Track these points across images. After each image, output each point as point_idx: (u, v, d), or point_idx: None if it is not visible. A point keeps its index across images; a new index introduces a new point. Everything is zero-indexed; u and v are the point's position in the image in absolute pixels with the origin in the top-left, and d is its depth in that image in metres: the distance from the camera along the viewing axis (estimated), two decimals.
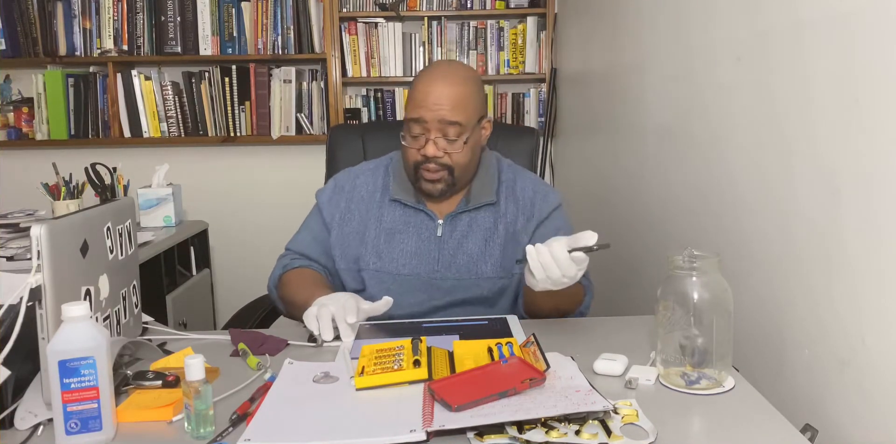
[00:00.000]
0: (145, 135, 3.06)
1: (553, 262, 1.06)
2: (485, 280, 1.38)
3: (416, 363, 0.97)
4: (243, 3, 3.03)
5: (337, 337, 1.18)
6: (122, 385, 0.98)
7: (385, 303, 1.21)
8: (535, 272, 1.08)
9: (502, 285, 1.39)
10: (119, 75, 3.00)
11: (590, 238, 1.06)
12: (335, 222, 1.44)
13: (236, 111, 3.07)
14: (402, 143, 1.37)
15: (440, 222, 1.40)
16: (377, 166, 1.50)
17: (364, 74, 3.13)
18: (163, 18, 3.00)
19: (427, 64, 3.16)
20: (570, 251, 1.06)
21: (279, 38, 3.04)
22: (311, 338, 1.18)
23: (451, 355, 1.06)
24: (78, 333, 0.83)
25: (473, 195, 1.41)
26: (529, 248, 1.08)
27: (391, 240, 1.40)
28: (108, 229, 1.07)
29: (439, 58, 3.17)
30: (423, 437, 0.81)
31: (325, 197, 1.48)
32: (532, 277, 1.09)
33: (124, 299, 1.13)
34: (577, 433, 0.80)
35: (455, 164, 1.34)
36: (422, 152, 1.33)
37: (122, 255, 1.12)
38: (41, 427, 0.88)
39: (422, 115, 1.31)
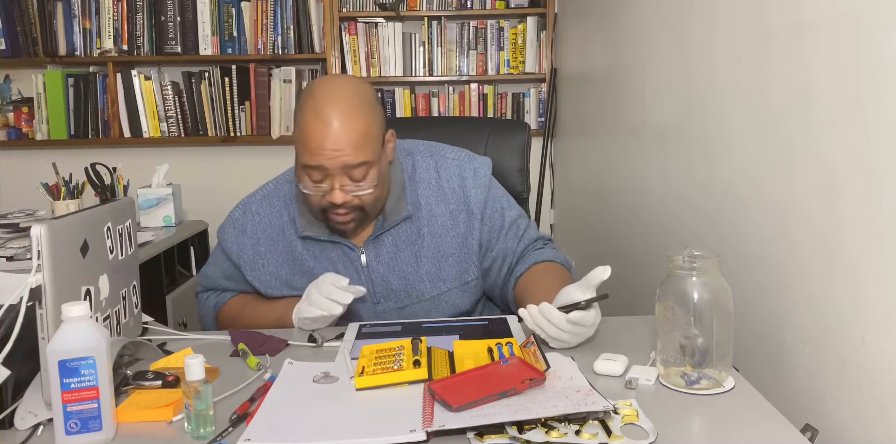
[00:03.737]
0: (145, 135, 3.06)
1: (546, 321, 1.05)
2: (430, 301, 1.30)
3: (416, 363, 0.97)
4: (243, 3, 3.03)
5: (339, 336, 1.18)
6: (122, 385, 0.98)
7: (357, 290, 1.18)
8: (536, 332, 1.06)
9: (450, 298, 1.31)
10: (119, 75, 3.00)
11: (602, 273, 1.04)
12: (246, 268, 1.33)
13: (236, 111, 3.08)
14: (301, 189, 1.21)
15: (361, 250, 1.29)
16: (273, 192, 1.36)
17: (364, 73, 3.13)
18: (163, 18, 3.00)
19: (426, 65, 3.16)
20: (560, 308, 1.04)
21: (279, 38, 3.04)
22: (311, 338, 1.18)
23: (451, 355, 1.05)
24: (78, 333, 0.83)
25: (389, 212, 1.28)
26: (522, 311, 1.08)
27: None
28: (108, 228, 1.07)
29: (439, 58, 3.17)
30: (423, 437, 0.81)
31: (228, 243, 1.35)
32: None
33: (124, 299, 1.13)
34: (577, 433, 0.80)
35: (365, 203, 1.21)
36: (328, 199, 1.19)
37: (122, 255, 1.12)
38: (41, 427, 0.88)
39: (321, 163, 1.16)
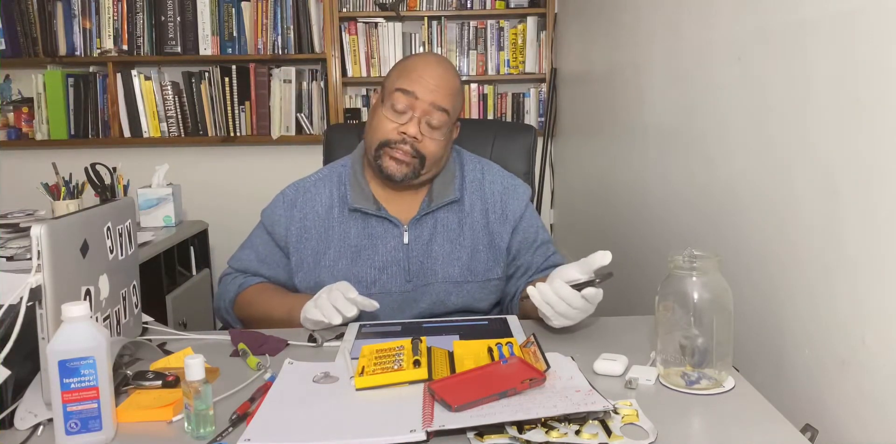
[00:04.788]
0: (145, 135, 3.06)
1: (557, 298, 1.06)
2: (453, 285, 1.33)
3: (416, 363, 0.97)
4: (243, 3, 3.03)
5: (339, 336, 1.18)
6: (122, 385, 0.98)
7: (370, 305, 1.18)
8: (544, 311, 1.08)
9: (472, 289, 1.34)
10: (119, 75, 3.00)
11: (602, 258, 1.05)
12: (291, 243, 1.36)
13: (236, 111, 3.08)
14: (383, 113, 1.28)
15: (405, 228, 1.34)
16: (327, 176, 1.41)
17: (364, 73, 3.13)
18: (163, 18, 3.00)
19: None
20: (572, 286, 1.06)
21: (279, 38, 3.04)
22: (311, 338, 1.18)
23: (451, 355, 1.05)
24: (78, 333, 0.83)
25: (435, 194, 1.34)
26: (531, 289, 1.09)
27: (357, 259, 1.33)
28: (108, 228, 1.07)
29: None
30: (423, 437, 0.81)
31: (276, 216, 1.39)
32: (545, 316, 1.11)
33: (124, 299, 1.13)
34: (577, 433, 0.80)
35: (428, 153, 1.28)
36: (402, 129, 1.26)
37: (122, 255, 1.12)
38: (41, 427, 0.88)
39: (415, 90, 1.26)
